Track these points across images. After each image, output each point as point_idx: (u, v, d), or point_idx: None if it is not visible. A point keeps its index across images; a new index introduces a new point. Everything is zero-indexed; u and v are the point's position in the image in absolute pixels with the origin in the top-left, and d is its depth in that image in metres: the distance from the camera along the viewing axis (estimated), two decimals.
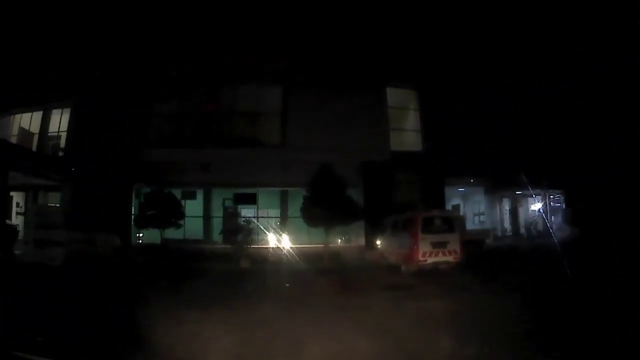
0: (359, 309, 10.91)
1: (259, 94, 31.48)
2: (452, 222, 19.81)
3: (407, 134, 32.67)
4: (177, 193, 28.22)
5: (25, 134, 31.93)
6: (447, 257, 18.58)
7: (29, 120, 32.58)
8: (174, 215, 25.76)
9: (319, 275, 19.24)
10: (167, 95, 31.73)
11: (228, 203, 31.36)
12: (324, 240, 26.08)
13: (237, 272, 20.66)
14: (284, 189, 30.94)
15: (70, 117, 31.26)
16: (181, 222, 26.47)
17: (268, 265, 23.00)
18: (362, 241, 28.98)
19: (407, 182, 30.46)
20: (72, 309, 10.28)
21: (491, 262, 21.89)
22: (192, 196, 31.37)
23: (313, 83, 30.52)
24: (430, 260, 18.37)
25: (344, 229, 27.44)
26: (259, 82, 31.19)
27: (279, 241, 27.93)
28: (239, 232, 25.98)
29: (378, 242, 23.24)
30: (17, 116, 33.13)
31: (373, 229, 25.41)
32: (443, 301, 11.82)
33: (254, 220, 28.39)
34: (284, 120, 31.02)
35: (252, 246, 25.59)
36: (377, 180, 29.47)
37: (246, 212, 31.28)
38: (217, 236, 28.94)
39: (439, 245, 18.53)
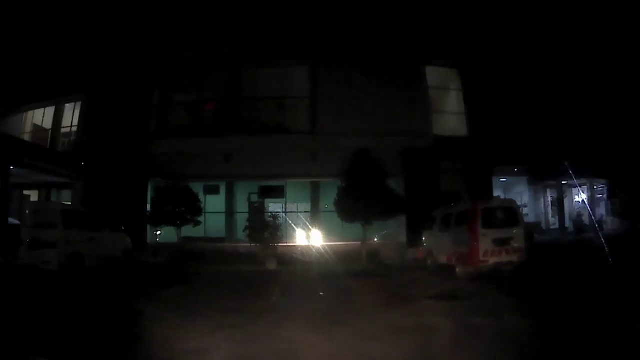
0: (416, 331, 8.27)
1: (284, 75, 29.06)
2: (516, 214, 17.01)
3: (450, 117, 29.38)
4: (199, 188, 26.49)
5: (38, 130, 31.26)
6: (510, 256, 15.83)
7: (42, 117, 31.85)
8: (191, 211, 23.58)
9: (357, 279, 16.97)
10: (183, 81, 29.50)
11: (253, 198, 28.63)
12: (360, 237, 23.96)
13: (262, 275, 18.53)
14: (315, 180, 28.21)
15: (81, 111, 29.86)
16: (199, 218, 24.30)
17: (297, 266, 21.09)
18: (401, 238, 26.33)
19: (452, 171, 27.32)
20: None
21: (552, 261, 18.92)
22: (215, 191, 29.07)
23: (343, 62, 27.82)
24: (492, 260, 15.70)
25: (383, 224, 24.85)
26: (283, 62, 28.64)
27: (309, 239, 25.89)
28: (266, 229, 23.49)
29: (423, 239, 20.60)
30: (30, 113, 32.44)
31: (416, 224, 22.87)
32: (522, 318, 9.21)
33: (282, 215, 25.31)
34: (313, 104, 28.14)
35: (279, 244, 23.39)
36: (419, 168, 26.52)
37: (273, 206, 28.88)
38: (241, 234, 26.09)
39: (502, 243, 15.85)
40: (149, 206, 25.34)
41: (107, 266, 19.33)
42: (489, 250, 15.56)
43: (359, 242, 23.80)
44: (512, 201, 19.08)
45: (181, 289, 14.46)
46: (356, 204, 21.51)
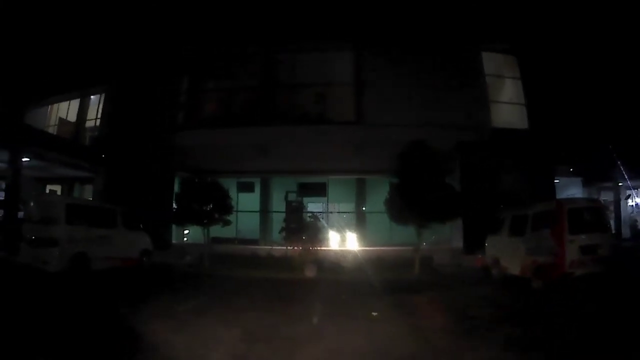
0: None
1: (324, 60, 26.30)
2: (604, 217, 14.59)
3: (505, 108, 26.07)
4: (231, 185, 24.35)
5: (63, 123, 30.68)
6: (597, 267, 13.28)
7: (67, 110, 31.37)
8: (220, 209, 21.02)
9: (414, 293, 14.39)
10: (214, 67, 27.31)
11: (291, 196, 25.92)
12: (409, 241, 20.86)
13: (300, 285, 16.22)
14: (360, 177, 25.79)
15: (105, 101, 28.85)
16: (230, 217, 21.65)
17: (341, 274, 18.71)
18: (455, 242, 23.64)
19: (511, 167, 23.58)
20: None
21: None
22: (249, 188, 27.20)
23: (390, 45, 24.97)
24: (578, 272, 13.16)
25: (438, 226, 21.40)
26: (324, 45, 26.02)
27: (352, 242, 23.75)
28: (304, 231, 20.77)
29: (487, 245, 18.01)
30: (55, 106, 32.06)
31: (474, 227, 20.72)
32: None
33: (323, 215, 22.42)
34: (358, 92, 25.25)
35: (320, 248, 20.66)
36: (476, 164, 23.50)
37: (313, 206, 26.39)
38: (276, 235, 23.72)
39: (590, 251, 13.28)
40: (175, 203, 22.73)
41: (120, 269, 17.42)
42: (576, 260, 13.08)
43: (408, 247, 20.96)
44: (599, 201, 16.13)
45: (200, 301, 12.30)
46: (411, 203, 18.44)
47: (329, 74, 26.04)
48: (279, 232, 21.92)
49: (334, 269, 19.65)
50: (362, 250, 22.49)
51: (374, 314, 10.92)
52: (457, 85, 24.54)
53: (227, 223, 21.28)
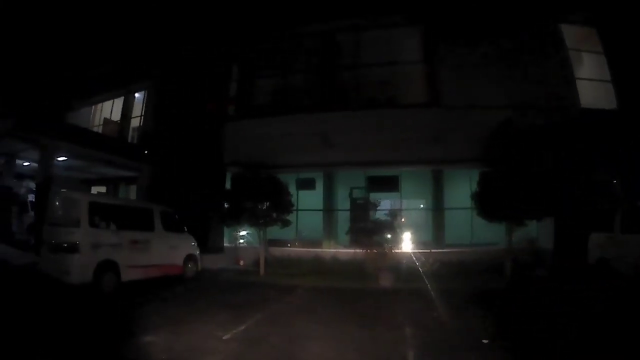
0: None
1: (390, 38, 23.15)
2: None
3: (591, 86, 21.82)
4: (290, 182, 21.39)
5: (107, 122, 29.86)
6: None
7: (110, 109, 30.34)
8: (278, 207, 18.26)
9: (523, 308, 11.60)
10: (267, 50, 24.81)
11: (358, 193, 23.93)
12: (492, 240, 19.75)
13: (377, 298, 13.56)
14: (438, 168, 22.41)
15: (148, 95, 27.42)
16: (289, 217, 18.85)
17: (420, 282, 15.77)
18: (543, 242, 20.17)
19: (604, 153, 19.61)
20: None
21: None
22: (310, 185, 24.38)
23: (463, 18, 21.63)
24: None
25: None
26: (388, 21, 22.97)
27: (429, 243, 20.81)
28: (376, 232, 17.59)
29: (590, 244, 15.61)
30: (100, 106, 31.29)
31: (568, 222, 17.83)
32: None
33: (397, 213, 19.11)
34: (432, 71, 22.09)
35: (393, 251, 17.59)
36: (567, 150, 19.56)
37: (383, 203, 22.50)
38: (342, 237, 21.45)
39: None
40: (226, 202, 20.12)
41: (158, 280, 15.13)
42: None
43: (488, 247, 19.53)
44: None
45: (254, 323, 9.84)
46: (509, 195, 15.63)
47: (396, 53, 22.94)
48: (346, 234, 19.47)
49: (411, 276, 16.90)
50: (440, 252, 19.77)
51: (485, 341, 8.28)
52: (538, 61, 21.22)
53: (286, 223, 18.55)
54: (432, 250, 19.50)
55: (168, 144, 24.31)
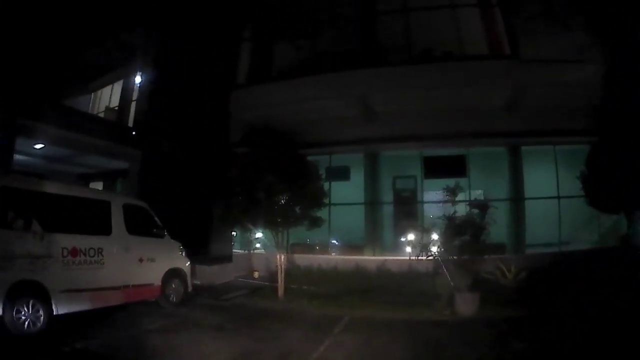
0: None
1: None
2: None
3: None
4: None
5: (109, 111, 26.18)
6: None
7: (109, 97, 27.12)
8: (305, 198, 12.65)
9: None
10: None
11: (405, 184, 19.28)
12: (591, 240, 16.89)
13: (467, 343, 8.50)
14: (516, 142, 17.17)
15: (144, 73, 23.39)
16: (320, 213, 13.28)
17: (516, 308, 11.00)
18: None
19: None
20: None
21: None
22: (344, 175, 19.35)
23: None
24: None
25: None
26: None
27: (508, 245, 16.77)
28: (458, 233, 11.50)
29: None
30: (98, 94, 27.93)
31: None
32: None
33: (486, 205, 12.89)
34: (504, 16, 16.96)
35: (477, 261, 11.69)
36: None
37: (429, 195, 18.02)
38: (388, 239, 17.19)
39: None
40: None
41: (120, 308, 10.29)
42: None
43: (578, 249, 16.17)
44: None
45: None
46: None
47: None
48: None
49: (499, 296, 11.88)
50: (522, 256, 15.68)
51: None
52: None
53: (316, 222, 13.05)
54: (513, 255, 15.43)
55: (164, 125, 19.52)
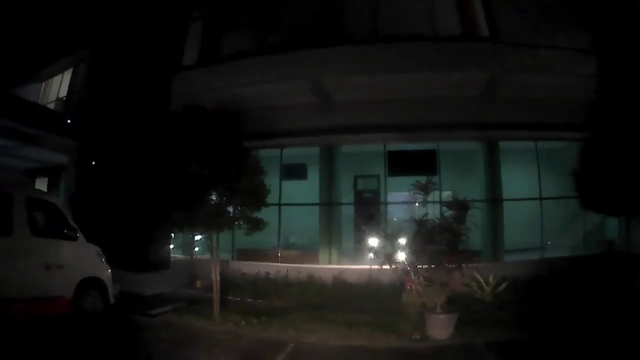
0: None
1: None
2: None
3: None
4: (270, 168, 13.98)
5: (60, 101, 24.33)
6: None
7: (59, 84, 25.23)
8: (242, 196, 10.51)
9: None
10: None
11: (366, 184, 17.46)
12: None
13: None
14: (493, 134, 15.26)
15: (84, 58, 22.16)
16: (263, 214, 11.16)
17: (512, 329, 9.26)
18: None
19: None
20: None
21: None
22: (300, 174, 17.20)
23: None
24: None
25: None
26: None
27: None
28: (431, 239, 9.42)
29: None
30: (49, 83, 26.36)
31: None
32: None
33: (465, 205, 10.61)
34: None
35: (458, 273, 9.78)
36: None
37: (394, 195, 16.48)
38: (345, 244, 15.65)
39: None
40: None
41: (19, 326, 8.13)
42: None
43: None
44: None
45: None
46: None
47: None
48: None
49: (477, 313, 10.25)
50: (500, 265, 13.85)
51: None
52: None
53: (256, 225, 10.87)
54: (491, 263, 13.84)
55: (104, 114, 17.44)
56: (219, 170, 9.69)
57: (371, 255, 10.29)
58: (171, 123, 11.33)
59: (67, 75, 24.57)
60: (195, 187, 9.54)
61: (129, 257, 12.90)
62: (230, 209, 10.51)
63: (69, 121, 18.61)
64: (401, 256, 9.43)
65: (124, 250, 12.49)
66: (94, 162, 17.12)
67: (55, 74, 25.43)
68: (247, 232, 10.80)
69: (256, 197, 10.49)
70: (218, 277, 10.87)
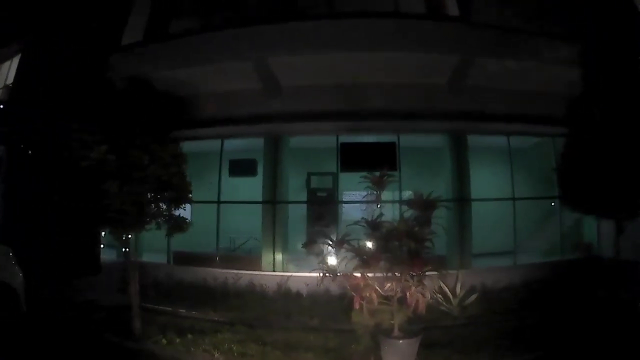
0: None
1: None
2: None
3: None
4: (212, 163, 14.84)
5: (4, 87, 23.05)
6: None
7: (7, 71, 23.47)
8: (160, 188, 8.87)
9: None
10: None
11: (320, 182, 16.43)
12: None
13: None
14: (461, 125, 13.77)
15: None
16: (181, 214, 9.57)
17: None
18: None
19: None
20: None
21: None
22: (249, 170, 15.55)
23: None
24: None
25: None
26: None
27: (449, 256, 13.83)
28: (387, 246, 7.61)
29: None
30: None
31: None
32: None
33: (430, 204, 8.42)
34: None
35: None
36: None
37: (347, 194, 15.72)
38: (294, 249, 13.49)
39: None
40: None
41: None
42: None
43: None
44: None
45: None
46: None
47: None
48: (304, 246, 9.11)
49: (444, 333, 9.10)
50: (468, 272, 12.43)
51: None
52: None
53: (177, 226, 9.27)
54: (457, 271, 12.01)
55: (40, 100, 16.55)
56: (127, 156, 7.93)
57: (320, 261, 8.40)
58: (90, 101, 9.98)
59: (15, 62, 22.80)
60: (98, 175, 7.79)
61: (58, 259, 12.69)
62: (153, 205, 8.85)
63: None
64: (347, 265, 7.72)
65: (55, 252, 12.44)
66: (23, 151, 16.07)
67: (5, 60, 23.37)
68: (168, 232, 9.15)
69: (172, 190, 8.79)
70: (137, 287, 9.25)
